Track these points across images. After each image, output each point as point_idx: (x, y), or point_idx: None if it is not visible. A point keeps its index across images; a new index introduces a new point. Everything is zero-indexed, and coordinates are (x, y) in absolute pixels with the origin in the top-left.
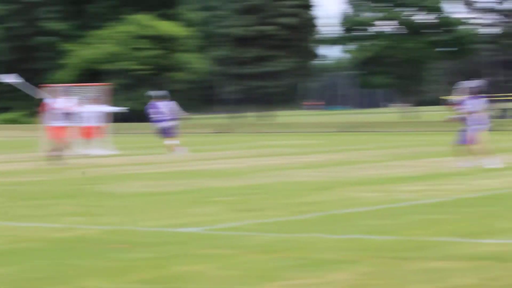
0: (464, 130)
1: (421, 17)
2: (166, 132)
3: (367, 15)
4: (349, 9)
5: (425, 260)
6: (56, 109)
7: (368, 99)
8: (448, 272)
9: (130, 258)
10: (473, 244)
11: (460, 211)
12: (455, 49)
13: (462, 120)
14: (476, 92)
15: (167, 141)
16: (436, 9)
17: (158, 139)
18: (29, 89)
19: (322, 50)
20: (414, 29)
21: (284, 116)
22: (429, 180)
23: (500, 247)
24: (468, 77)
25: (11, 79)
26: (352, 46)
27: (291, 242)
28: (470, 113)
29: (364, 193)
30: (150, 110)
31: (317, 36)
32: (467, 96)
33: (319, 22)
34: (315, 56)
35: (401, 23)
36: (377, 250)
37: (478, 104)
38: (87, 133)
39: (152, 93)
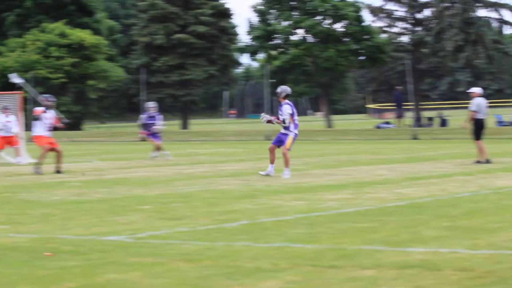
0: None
1: (336, 26)
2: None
3: (280, 23)
4: (257, 17)
5: (353, 269)
6: None
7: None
8: (377, 281)
9: (57, 266)
10: (401, 252)
11: (386, 219)
12: (373, 57)
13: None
14: (285, 97)
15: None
16: (352, 18)
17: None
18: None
19: (243, 58)
20: (329, 37)
21: (206, 124)
22: (353, 189)
23: (429, 255)
24: (384, 86)
25: (17, 79)
26: (261, 55)
27: (217, 250)
28: (287, 117)
29: (290, 202)
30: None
31: (236, 45)
32: (283, 101)
33: (238, 30)
34: (235, 64)
35: (315, 32)
36: (305, 258)
37: (285, 109)
38: (10, 141)
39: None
